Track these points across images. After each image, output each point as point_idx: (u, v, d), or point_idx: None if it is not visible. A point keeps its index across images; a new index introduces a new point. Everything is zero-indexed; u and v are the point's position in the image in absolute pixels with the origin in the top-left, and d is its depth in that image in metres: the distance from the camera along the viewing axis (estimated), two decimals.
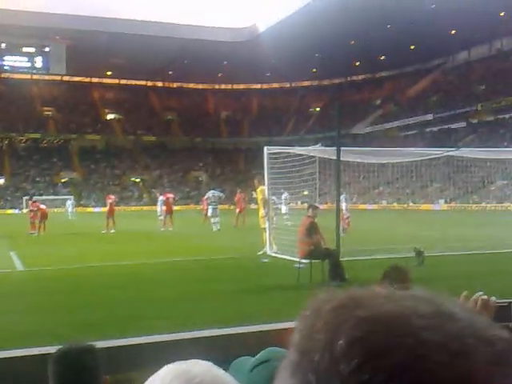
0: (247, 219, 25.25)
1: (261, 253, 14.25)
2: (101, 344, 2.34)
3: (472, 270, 11.30)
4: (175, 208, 53.72)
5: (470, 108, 63.41)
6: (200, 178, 75.14)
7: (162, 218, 28.60)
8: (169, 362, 0.80)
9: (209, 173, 77.32)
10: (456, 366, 0.41)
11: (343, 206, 32.82)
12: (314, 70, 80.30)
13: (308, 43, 64.04)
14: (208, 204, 25.13)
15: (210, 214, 24.62)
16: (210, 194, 25.61)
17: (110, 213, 24.90)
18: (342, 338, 0.43)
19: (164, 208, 27.14)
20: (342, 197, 33.33)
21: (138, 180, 73.17)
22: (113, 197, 26.87)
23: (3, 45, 72.08)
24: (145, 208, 58.61)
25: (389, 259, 10.98)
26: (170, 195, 28.70)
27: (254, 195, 26.87)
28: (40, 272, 12.31)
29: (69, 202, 46.53)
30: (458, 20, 57.26)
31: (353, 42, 67.10)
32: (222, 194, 27.41)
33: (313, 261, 10.28)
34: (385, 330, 0.42)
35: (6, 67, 76.44)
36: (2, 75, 78.88)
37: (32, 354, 2.41)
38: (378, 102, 79.16)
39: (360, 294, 0.47)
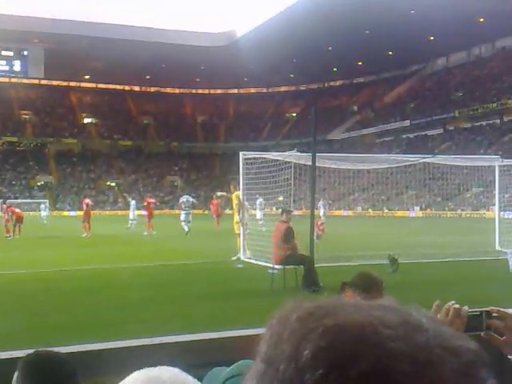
0: (221, 224, 25.36)
1: (235, 258, 14.19)
2: (72, 348, 2.32)
3: (446, 278, 11.28)
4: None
5: (447, 115, 63.97)
6: (175, 183, 74.81)
7: (134, 222, 28.97)
8: (142, 367, 0.81)
9: (184, 178, 77.05)
10: (422, 376, 0.40)
11: (321, 212, 32.90)
12: (291, 75, 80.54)
13: (285, 49, 64.17)
14: (182, 209, 25.09)
15: (182, 218, 24.60)
16: (183, 198, 25.70)
17: (86, 216, 24.80)
18: (308, 347, 0.42)
19: (145, 213, 26.99)
20: (321, 203, 33.52)
21: (113, 184, 72.82)
22: (88, 200, 26.52)
23: None
24: (119, 212, 57.87)
25: (363, 266, 10.96)
26: (152, 200, 28.73)
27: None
28: (13, 275, 12.31)
29: (42, 206, 45.93)
30: (436, 26, 57.64)
31: (330, 48, 67.43)
32: (195, 200, 27.51)
33: (286, 267, 10.22)
34: (351, 339, 0.42)
35: None
36: None
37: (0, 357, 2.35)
38: (355, 107, 79.58)
39: (327, 303, 0.47)
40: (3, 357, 2.31)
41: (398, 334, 0.42)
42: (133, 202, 30.14)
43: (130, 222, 29.31)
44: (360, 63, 75.03)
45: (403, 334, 0.43)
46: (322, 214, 32.24)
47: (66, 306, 8.56)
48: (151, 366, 0.83)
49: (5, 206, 26.06)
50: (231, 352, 1.76)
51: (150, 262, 14.40)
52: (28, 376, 1.85)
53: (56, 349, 2.07)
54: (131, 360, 2.07)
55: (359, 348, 0.41)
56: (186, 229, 23.78)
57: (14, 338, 6.29)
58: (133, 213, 29.47)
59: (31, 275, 12.30)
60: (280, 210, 11.87)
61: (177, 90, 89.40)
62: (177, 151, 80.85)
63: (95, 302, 8.96)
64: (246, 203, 15.36)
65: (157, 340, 2.56)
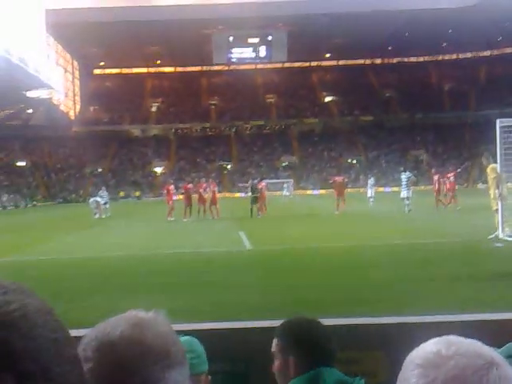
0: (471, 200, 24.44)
1: (492, 236, 13.20)
2: (332, 321, 2.43)
3: None
4: (391, 190, 52.51)
5: None
6: (420, 157, 71.47)
7: (372, 199, 29.63)
8: (417, 345, 0.83)
9: (430, 151, 73.07)
10: None
11: None
12: None
13: None
14: (405, 186, 24.30)
15: (406, 195, 23.97)
16: (404, 175, 24.75)
17: (339, 194, 25.75)
18: None
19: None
20: None
21: (354, 161, 72.83)
22: (341, 177, 27.87)
23: (231, 38, 76.48)
24: (361, 190, 57.69)
25: None
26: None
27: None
28: (266, 251, 13.11)
29: (285, 186, 49.28)
30: None
31: None
32: (413, 177, 26.10)
33: None
34: None
35: (233, 59, 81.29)
36: (230, 67, 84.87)
37: (259, 326, 2.58)
38: None
39: None
40: (261, 325, 2.55)
41: None
42: (371, 180, 31.39)
43: (370, 200, 30.00)
44: None
45: None
46: None
47: (316, 283, 8.65)
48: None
49: (264, 183, 27.92)
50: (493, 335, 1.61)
51: (394, 240, 14.09)
52: (287, 339, 1.94)
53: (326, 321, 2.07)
54: (397, 337, 2.10)
55: None
56: (407, 209, 23.49)
57: (267, 309, 6.59)
58: (371, 190, 30.77)
59: (282, 251, 12.89)
60: None
61: (421, 59, 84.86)
62: (420, 123, 76.64)
63: (343, 280, 8.97)
64: (504, 176, 13.97)
65: (430, 318, 2.59)
